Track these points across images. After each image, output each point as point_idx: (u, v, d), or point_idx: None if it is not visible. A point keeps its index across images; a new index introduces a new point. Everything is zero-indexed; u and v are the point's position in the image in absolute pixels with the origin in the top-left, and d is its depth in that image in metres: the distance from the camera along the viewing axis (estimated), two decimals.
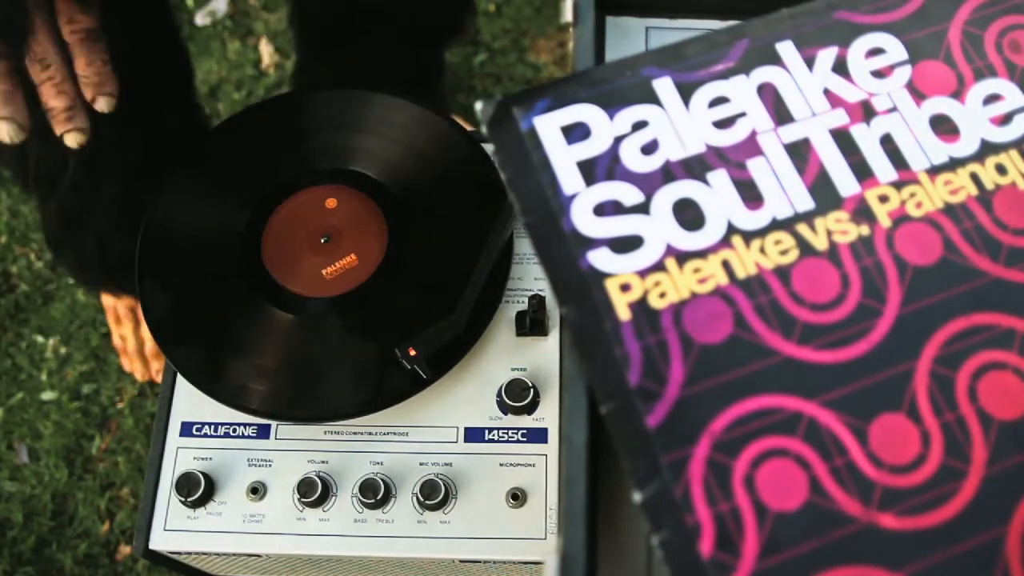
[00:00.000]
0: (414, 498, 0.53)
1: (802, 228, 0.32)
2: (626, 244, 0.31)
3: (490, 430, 0.55)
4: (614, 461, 0.30)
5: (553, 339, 0.57)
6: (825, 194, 0.33)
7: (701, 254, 0.31)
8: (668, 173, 0.33)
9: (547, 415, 0.55)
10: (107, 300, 1.04)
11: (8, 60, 0.49)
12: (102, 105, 0.51)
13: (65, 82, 0.49)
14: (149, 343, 1.03)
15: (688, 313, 0.30)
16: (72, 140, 0.50)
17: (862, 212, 0.32)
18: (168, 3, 0.79)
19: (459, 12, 0.92)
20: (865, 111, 0.34)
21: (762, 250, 0.32)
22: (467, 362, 0.55)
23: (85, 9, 0.49)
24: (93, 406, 1.07)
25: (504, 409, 0.55)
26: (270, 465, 0.54)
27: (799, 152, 0.33)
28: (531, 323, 0.55)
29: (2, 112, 0.49)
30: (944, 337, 0.31)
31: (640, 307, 0.30)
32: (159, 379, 1.05)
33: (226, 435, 0.55)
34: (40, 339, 1.11)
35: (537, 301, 0.55)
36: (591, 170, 0.32)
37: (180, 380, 0.57)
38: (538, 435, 0.54)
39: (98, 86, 0.50)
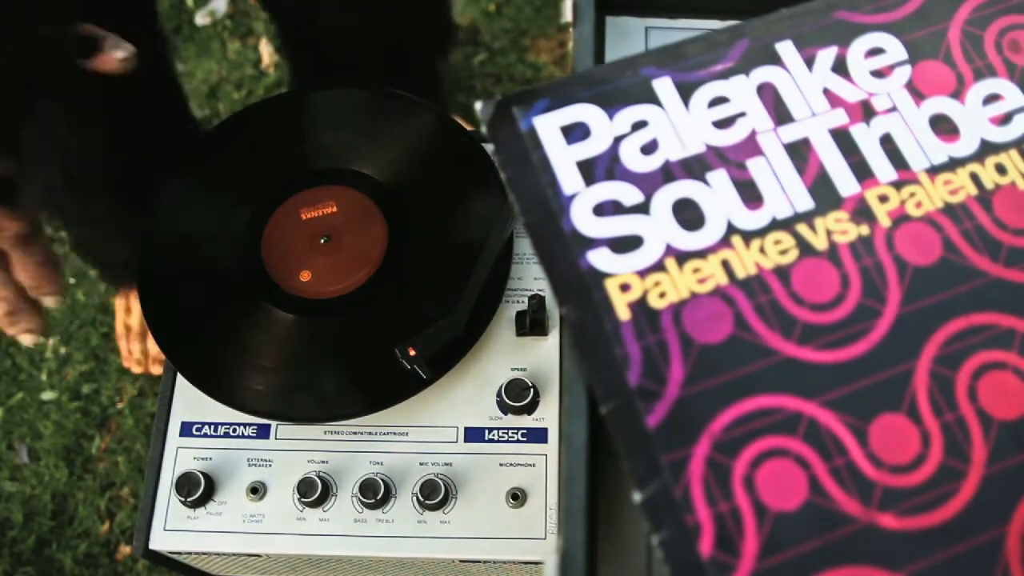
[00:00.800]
0: (414, 498, 0.53)
1: (802, 228, 0.32)
2: (626, 244, 0.31)
3: (490, 430, 0.55)
4: (614, 461, 0.30)
5: (553, 339, 0.57)
6: (825, 194, 0.33)
7: (701, 254, 0.31)
8: (668, 173, 0.33)
9: (547, 415, 0.55)
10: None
11: None
12: (49, 303, 0.50)
13: (2, 288, 0.49)
14: None
15: (688, 313, 0.30)
16: (26, 340, 0.50)
17: (862, 212, 0.32)
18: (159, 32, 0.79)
19: (441, 38, 0.92)
20: (865, 111, 0.34)
21: (762, 250, 0.32)
22: (467, 362, 0.55)
23: (12, 216, 0.48)
24: (93, 406, 1.07)
25: (504, 409, 0.55)
26: (270, 465, 0.54)
27: (799, 152, 0.33)
28: (531, 323, 0.55)
29: None
30: (944, 337, 0.31)
31: (640, 307, 0.30)
32: (156, 370, 1.05)
33: (226, 435, 0.55)
34: (40, 339, 1.11)
35: (537, 301, 0.55)
36: (591, 170, 0.32)
37: (180, 380, 0.57)
38: (538, 435, 0.54)
39: (37, 288, 0.50)
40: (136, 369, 1.06)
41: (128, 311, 1.05)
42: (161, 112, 0.82)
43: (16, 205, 0.48)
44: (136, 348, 1.05)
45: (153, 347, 1.05)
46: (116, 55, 0.48)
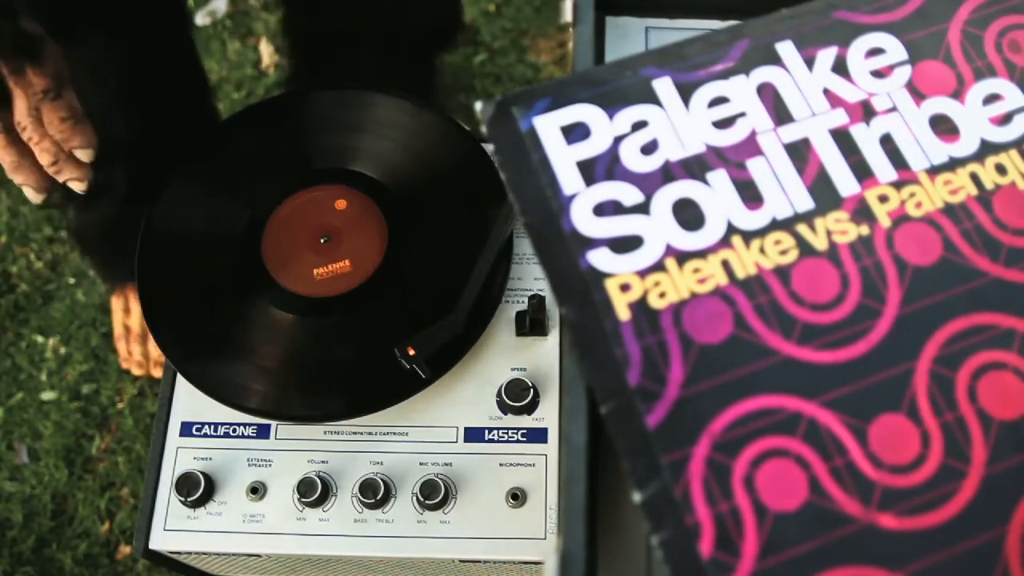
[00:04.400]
0: (414, 498, 0.53)
1: (802, 228, 0.32)
2: (626, 244, 0.31)
3: (490, 430, 0.55)
4: (614, 461, 0.30)
5: (553, 339, 0.57)
6: (825, 194, 0.33)
7: (701, 254, 0.31)
8: (668, 173, 0.33)
9: (547, 415, 0.55)
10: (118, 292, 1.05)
11: (5, 132, 0.52)
12: (81, 156, 0.53)
13: (44, 140, 0.52)
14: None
15: (688, 313, 0.30)
16: (76, 187, 0.54)
17: (862, 212, 0.32)
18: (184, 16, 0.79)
19: (447, 26, 0.92)
20: (865, 111, 0.34)
21: (762, 250, 0.32)
22: (467, 362, 0.55)
23: (38, 71, 0.51)
24: (93, 406, 1.07)
25: (504, 409, 0.55)
26: (270, 465, 0.54)
27: (799, 152, 0.33)
28: (531, 323, 0.55)
29: (17, 181, 0.53)
30: (944, 337, 0.31)
31: (640, 307, 0.30)
32: (157, 373, 1.05)
33: (226, 435, 0.55)
34: (40, 339, 1.11)
35: (537, 301, 0.55)
36: (591, 170, 0.32)
37: (180, 380, 0.57)
38: (538, 435, 0.54)
39: (66, 142, 0.53)
40: (136, 371, 1.06)
41: (127, 311, 1.04)
42: (182, 87, 0.82)
43: (41, 61, 0.50)
44: (136, 350, 1.04)
45: (154, 350, 1.04)
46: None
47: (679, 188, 0.32)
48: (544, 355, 0.56)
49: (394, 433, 0.55)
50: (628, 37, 0.48)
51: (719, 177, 0.33)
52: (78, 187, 0.54)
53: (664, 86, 0.34)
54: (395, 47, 0.86)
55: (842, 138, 0.34)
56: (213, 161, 0.62)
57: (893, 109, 0.34)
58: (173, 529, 0.53)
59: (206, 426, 0.56)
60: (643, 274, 0.31)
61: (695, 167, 0.33)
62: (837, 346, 0.30)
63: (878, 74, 0.35)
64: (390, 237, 0.58)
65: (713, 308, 0.31)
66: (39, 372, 1.09)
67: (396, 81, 0.88)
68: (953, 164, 0.33)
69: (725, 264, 0.31)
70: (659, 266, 0.31)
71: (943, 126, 0.34)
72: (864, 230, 0.32)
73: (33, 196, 0.54)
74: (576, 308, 0.30)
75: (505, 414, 0.55)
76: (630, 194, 0.32)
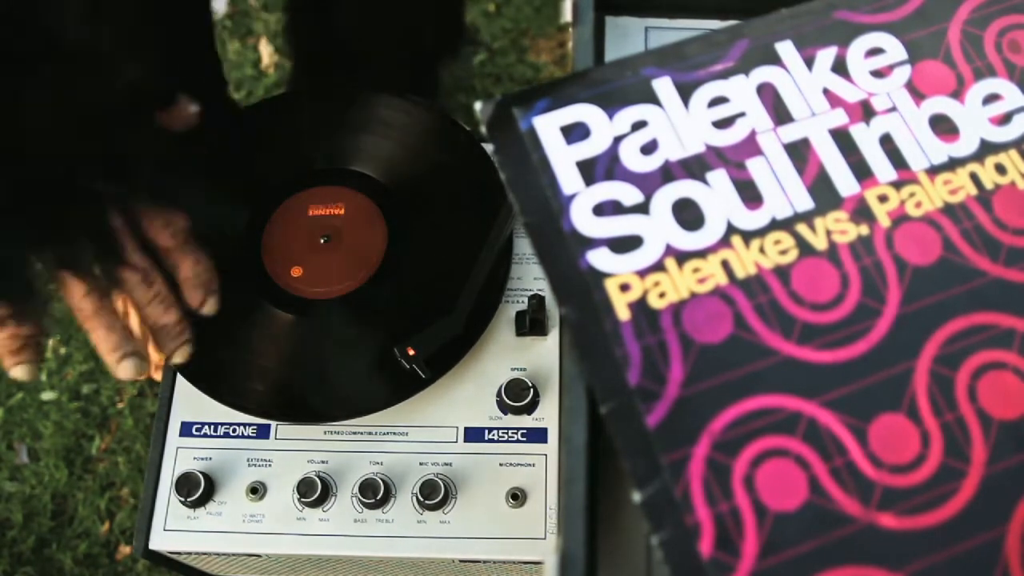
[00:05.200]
0: (414, 498, 0.53)
1: (802, 228, 0.32)
2: (626, 244, 0.31)
3: (490, 430, 0.55)
4: (614, 461, 0.30)
5: (553, 339, 0.57)
6: (825, 194, 0.33)
7: (701, 254, 0.31)
8: (667, 173, 0.33)
9: (547, 415, 0.55)
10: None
11: (98, 295, 0.45)
12: (209, 307, 0.48)
13: (170, 294, 0.47)
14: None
15: (688, 313, 0.30)
16: (181, 356, 0.48)
17: (861, 212, 0.32)
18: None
19: (451, 37, 0.92)
20: (864, 111, 0.34)
21: (762, 250, 0.32)
22: (467, 362, 0.55)
23: (175, 210, 0.45)
24: (93, 406, 1.07)
25: (504, 409, 0.55)
26: (270, 465, 0.54)
27: (798, 152, 0.33)
28: (531, 323, 0.55)
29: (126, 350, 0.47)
30: (944, 337, 0.31)
31: (640, 307, 0.30)
32: (158, 376, 1.05)
33: (226, 435, 0.55)
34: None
35: (537, 301, 0.55)
36: (590, 170, 0.32)
37: (180, 380, 0.57)
38: (538, 435, 0.54)
39: (207, 285, 0.48)
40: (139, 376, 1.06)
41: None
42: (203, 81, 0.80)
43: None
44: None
45: (154, 355, 1.04)
46: (189, 110, 0.47)
47: (679, 188, 0.32)
48: (544, 355, 0.56)
49: (394, 433, 0.55)
50: (628, 37, 0.48)
51: (719, 177, 0.33)
52: (186, 354, 0.49)
53: (664, 86, 0.34)
54: (399, 59, 0.86)
55: (842, 138, 0.34)
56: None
57: (893, 109, 0.34)
58: (173, 529, 0.53)
59: (206, 426, 0.56)
60: (643, 274, 0.31)
61: (695, 167, 0.33)
62: (837, 346, 0.30)
63: (878, 74, 0.35)
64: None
65: (713, 308, 0.31)
66: (39, 372, 1.09)
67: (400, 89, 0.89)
68: (953, 164, 0.33)
69: (725, 264, 0.31)
70: (659, 266, 0.31)
71: (943, 126, 0.34)
72: (864, 230, 0.32)
73: (138, 369, 0.49)
74: (576, 308, 0.30)
75: (505, 414, 0.55)
76: (630, 194, 0.32)
